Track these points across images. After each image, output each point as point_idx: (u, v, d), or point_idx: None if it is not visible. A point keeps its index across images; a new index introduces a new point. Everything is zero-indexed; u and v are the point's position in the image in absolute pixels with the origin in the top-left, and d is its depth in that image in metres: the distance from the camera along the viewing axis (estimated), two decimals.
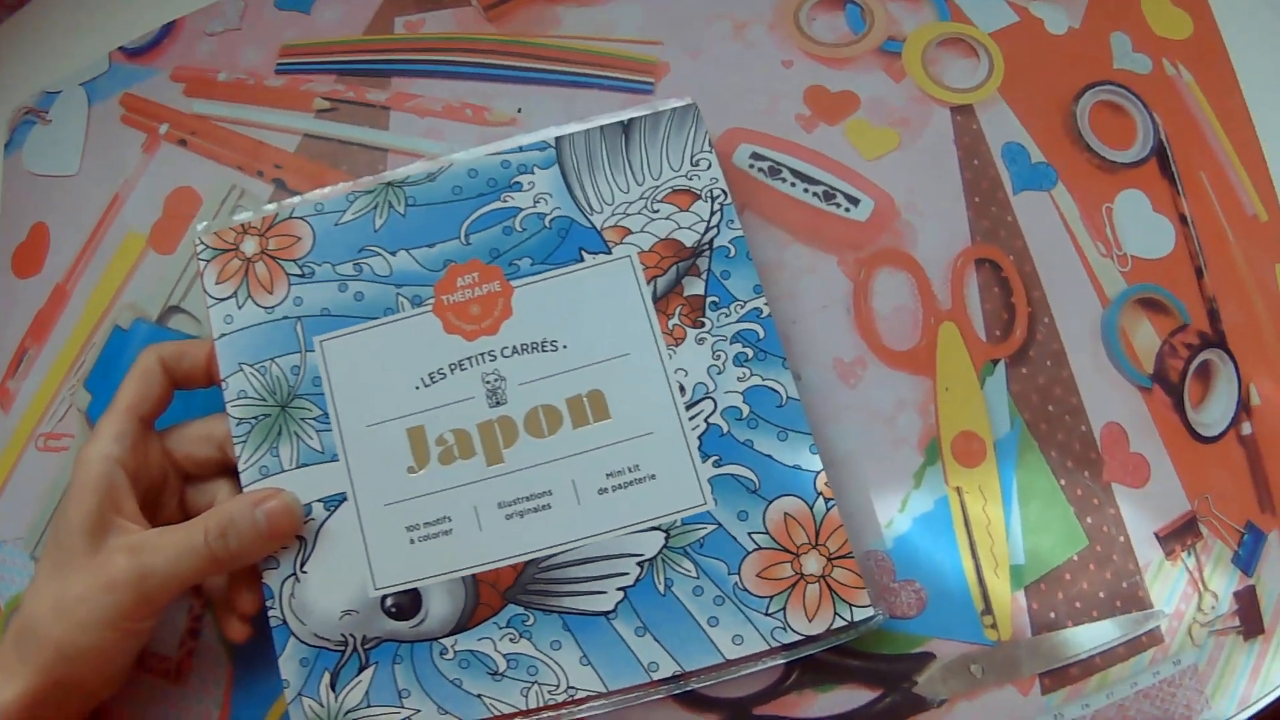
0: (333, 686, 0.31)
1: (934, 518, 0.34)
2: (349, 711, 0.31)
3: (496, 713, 0.31)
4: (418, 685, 0.31)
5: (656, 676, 0.31)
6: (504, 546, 0.31)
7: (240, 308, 0.34)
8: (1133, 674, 0.33)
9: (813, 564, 0.31)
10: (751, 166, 0.38)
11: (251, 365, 0.33)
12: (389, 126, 0.40)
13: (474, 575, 0.31)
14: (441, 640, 0.31)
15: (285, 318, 0.34)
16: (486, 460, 0.32)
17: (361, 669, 0.31)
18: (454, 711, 0.31)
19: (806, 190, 0.38)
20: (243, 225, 0.35)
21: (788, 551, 0.32)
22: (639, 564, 0.32)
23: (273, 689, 0.34)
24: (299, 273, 0.34)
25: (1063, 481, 0.35)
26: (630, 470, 0.32)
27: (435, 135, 0.40)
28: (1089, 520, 0.34)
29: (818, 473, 0.32)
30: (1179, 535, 0.35)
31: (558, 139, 0.35)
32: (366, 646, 0.31)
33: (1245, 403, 0.36)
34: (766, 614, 0.31)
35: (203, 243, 0.35)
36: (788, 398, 0.33)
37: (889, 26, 0.40)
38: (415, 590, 0.31)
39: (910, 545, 0.34)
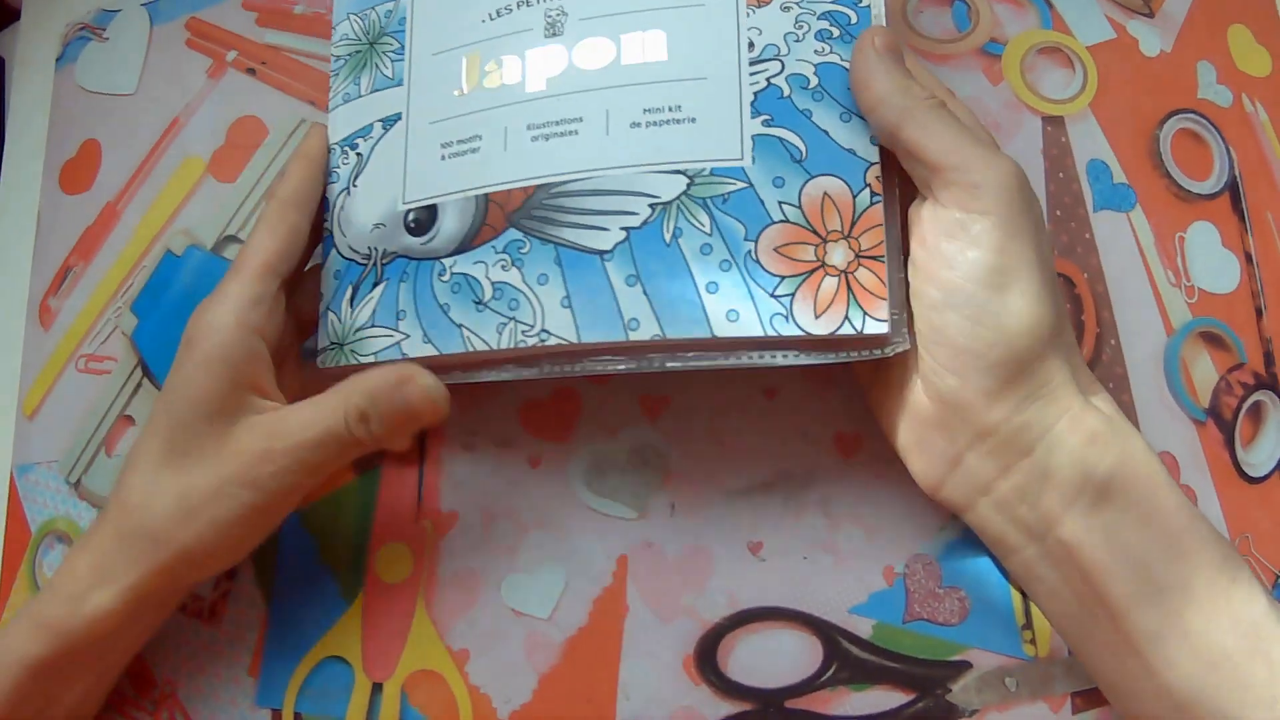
0: (351, 301, 0.32)
1: None
2: (358, 329, 0.31)
3: (470, 348, 0.30)
4: (413, 307, 0.31)
5: (634, 336, 0.29)
6: (522, 168, 0.31)
7: None
8: None
9: (839, 255, 0.28)
10: None
11: (356, 13, 0.35)
12: None
13: (487, 195, 0.31)
14: (443, 260, 0.31)
15: None
16: (526, 85, 0.31)
17: (375, 284, 0.32)
18: (435, 342, 0.31)
19: None
20: None
21: (816, 234, 0.29)
22: (650, 206, 0.30)
23: (306, 639, 0.34)
24: None
25: None
26: (670, 110, 0.30)
27: None
28: None
29: (872, 164, 0.29)
30: None
31: None
32: (384, 261, 0.32)
33: None
34: (773, 295, 0.28)
35: None
36: None
37: (993, 28, 0.39)
38: (434, 206, 0.32)
39: (959, 553, 0.34)
